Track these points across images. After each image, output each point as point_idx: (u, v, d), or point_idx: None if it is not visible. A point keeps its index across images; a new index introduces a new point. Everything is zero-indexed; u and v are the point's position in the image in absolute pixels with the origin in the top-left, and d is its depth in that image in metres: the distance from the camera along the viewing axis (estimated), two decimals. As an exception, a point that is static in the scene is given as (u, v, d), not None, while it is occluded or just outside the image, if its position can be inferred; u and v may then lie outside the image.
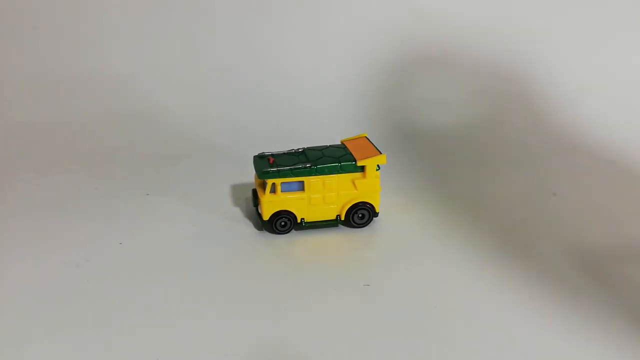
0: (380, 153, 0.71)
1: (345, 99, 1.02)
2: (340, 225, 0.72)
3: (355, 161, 0.69)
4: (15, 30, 1.03)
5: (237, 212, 0.74)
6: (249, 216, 0.73)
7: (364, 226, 0.72)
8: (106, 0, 1.03)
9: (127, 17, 1.04)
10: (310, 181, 0.69)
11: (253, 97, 1.02)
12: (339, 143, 0.74)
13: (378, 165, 0.71)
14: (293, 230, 0.70)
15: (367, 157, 0.70)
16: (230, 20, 1.04)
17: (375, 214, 0.72)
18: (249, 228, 0.70)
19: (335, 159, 0.70)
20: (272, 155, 0.71)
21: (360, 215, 0.71)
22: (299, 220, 0.70)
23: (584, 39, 1.03)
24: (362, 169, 0.70)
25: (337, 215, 0.71)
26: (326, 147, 0.73)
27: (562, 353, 0.51)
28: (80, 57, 1.04)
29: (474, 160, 0.89)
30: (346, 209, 0.71)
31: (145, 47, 1.05)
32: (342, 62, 1.04)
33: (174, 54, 1.05)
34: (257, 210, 0.72)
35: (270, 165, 0.68)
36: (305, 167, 0.68)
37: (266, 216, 0.69)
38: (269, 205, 0.68)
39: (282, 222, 0.70)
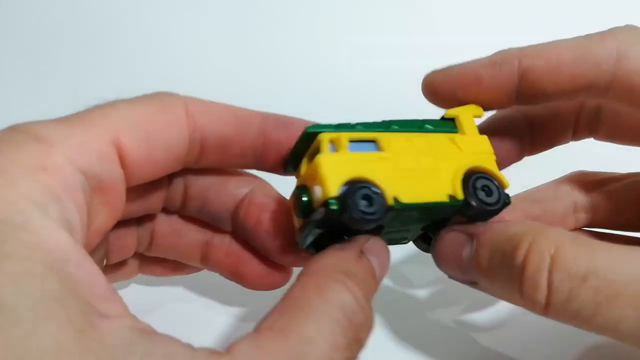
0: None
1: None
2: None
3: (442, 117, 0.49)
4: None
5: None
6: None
7: (495, 210, 0.45)
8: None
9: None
10: (390, 139, 0.44)
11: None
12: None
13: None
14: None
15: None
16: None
17: (504, 194, 0.46)
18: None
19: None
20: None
21: (484, 187, 0.45)
22: (390, 201, 0.40)
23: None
24: (453, 124, 0.48)
25: (450, 196, 0.44)
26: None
27: None
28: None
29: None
30: (459, 179, 0.44)
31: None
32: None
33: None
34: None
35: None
36: (378, 122, 0.45)
37: (332, 188, 0.38)
38: (333, 168, 0.39)
39: (365, 198, 0.39)
